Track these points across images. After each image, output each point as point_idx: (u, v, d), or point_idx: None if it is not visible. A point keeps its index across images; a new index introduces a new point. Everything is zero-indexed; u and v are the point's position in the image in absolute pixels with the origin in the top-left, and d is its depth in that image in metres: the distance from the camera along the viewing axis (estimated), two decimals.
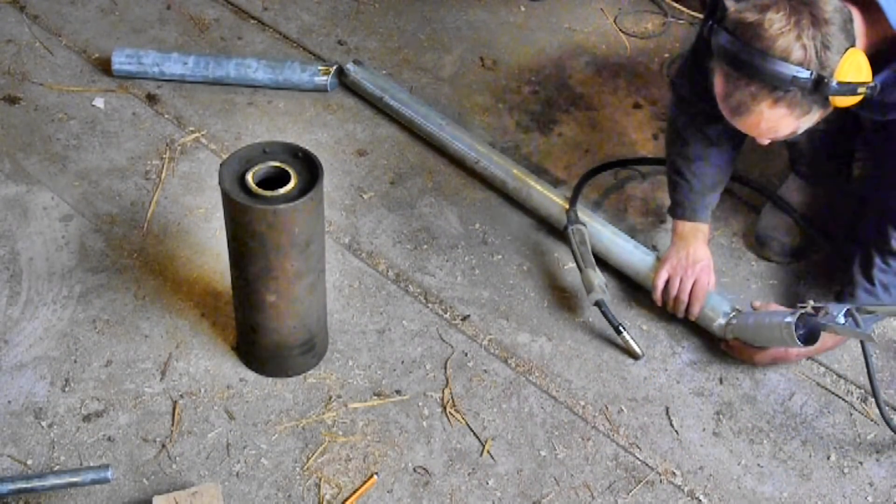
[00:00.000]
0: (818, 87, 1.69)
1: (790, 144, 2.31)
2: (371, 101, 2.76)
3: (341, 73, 2.81)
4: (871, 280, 2.05)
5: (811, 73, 1.68)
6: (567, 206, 2.34)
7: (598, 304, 2.14)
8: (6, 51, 2.88)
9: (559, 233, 2.37)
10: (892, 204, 2.02)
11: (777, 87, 1.70)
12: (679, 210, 2.23)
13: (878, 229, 2.05)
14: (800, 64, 1.68)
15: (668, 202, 2.28)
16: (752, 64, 1.70)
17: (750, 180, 2.52)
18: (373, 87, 2.74)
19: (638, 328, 2.22)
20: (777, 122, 1.76)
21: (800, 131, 1.81)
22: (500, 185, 2.49)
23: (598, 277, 2.16)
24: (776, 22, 1.68)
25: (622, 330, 2.13)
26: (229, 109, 2.74)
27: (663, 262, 2.20)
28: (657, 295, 2.19)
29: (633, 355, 2.14)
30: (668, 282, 2.17)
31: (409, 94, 2.74)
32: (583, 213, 2.35)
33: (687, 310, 2.16)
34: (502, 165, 2.48)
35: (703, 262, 2.17)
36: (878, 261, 2.04)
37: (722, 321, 2.12)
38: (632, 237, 2.38)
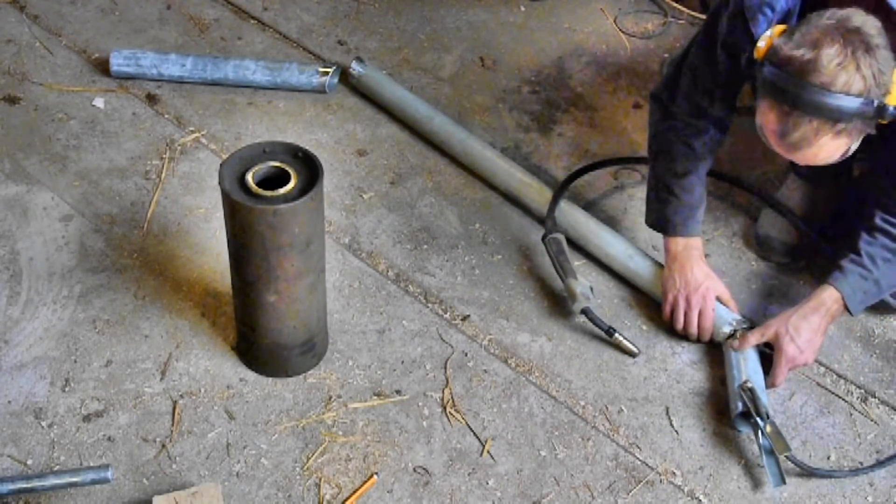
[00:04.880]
0: (881, 113, 1.70)
1: None
2: (377, 100, 2.75)
3: (343, 73, 2.81)
4: (857, 251, 2.04)
5: (874, 102, 1.68)
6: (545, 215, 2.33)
7: (584, 312, 2.14)
8: (6, 51, 2.88)
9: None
10: (879, 186, 2.05)
11: (840, 119, 1.69)
12: (671, 227, 2.20)
13: (863, 210, 2.07)
14: (860, 95, 1.68)
15: None
16: (813, 101, 1.68)
17: (748, 184, 2.51)
18: (381, 85, 2.74)
19: (638, 328, 2.22)
20: (836, 150, 1.76)
21: (851, 151, 1.80)
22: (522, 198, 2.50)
23: (580, 285, 2.15)
24: (833, 57, 1.67)
25: (613, 332, 2.13)
26: (229, 109, 2.74)
27: (665, 292, 2.19)
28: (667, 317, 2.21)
29: (630, 354, 2.14)
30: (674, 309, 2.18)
31: (416, 93, 2.74)
32: (580, 216, 2.35)
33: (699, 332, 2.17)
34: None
35: (704, 284, 2.15)
36: (864, 234, 2.05)
37: (727, 330, 2.13)
38: (632, 237, 2.39)
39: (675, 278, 2.17)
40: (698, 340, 2.17)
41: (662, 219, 2.22)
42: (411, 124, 2.68)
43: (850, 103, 1.68)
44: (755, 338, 2.07)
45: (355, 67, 2.77)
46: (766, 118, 1.77)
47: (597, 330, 2.16)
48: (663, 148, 2.19)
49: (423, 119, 2.64)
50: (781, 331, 2.03)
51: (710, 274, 2.18)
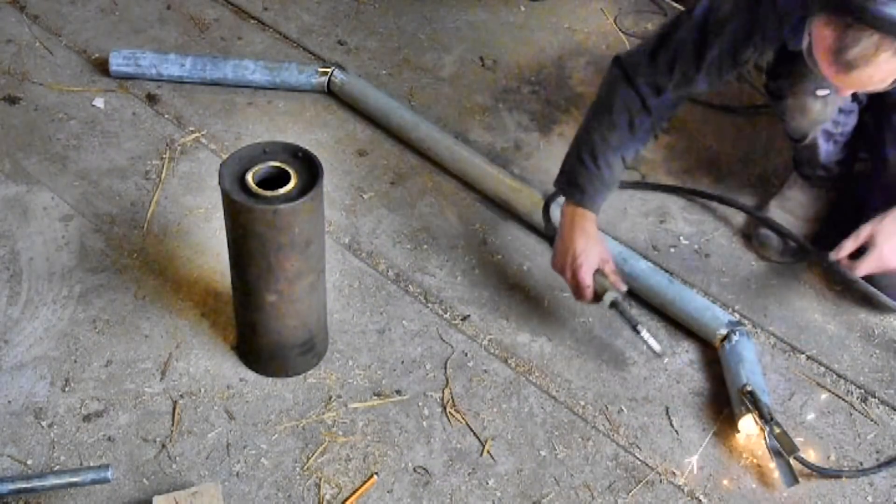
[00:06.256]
0: None
1: (797, 147, 2.31)
2: (361, 109, 2.72)
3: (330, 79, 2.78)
4: None
5: None
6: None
7: (613, 304, 2.06)
8: (6, 51, 2.88)
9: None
10: None
11: None
12: (578, 195, 2.10)
13: (863, 211, 2.00)
14: None
15: (672, 204, 2.26)
16: (877, 11, 1.58)
17: (738, 203, 2.46)
18: (364, 93, 2.71)
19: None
20: (891, 72, 1.67)
21: None
22: (482, 189, 2.50)
23: (606, 279, 2.09)
24: None
25: (639, 328, 2.06)
26: (229, 109, 2.74)
27: (554, 253, 2.11)
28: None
29: (654, 352, 2.08)
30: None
31: (395, 99, 2.71)
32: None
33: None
34: (481, 171, 2.49)
35: (582, 254, 2.05)
36: None
37: (723, 332, 2.12)
38: (632, 237, 2.38)
39: (564, 246, 2.08)
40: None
41: (570, 182, 2.12)
42: (396, 132, 2.64)
43: None
44: (850, 244, 1.95)
45: (337, 75, 2.74)
46: (821, 35, 1.68)
47: (598, 329, 2.17)
48: (608, 111, 2.08)
49: (408, 126, 2.61)
50: (877, 229, 1.94)
51: (594, 240, 2.08)
